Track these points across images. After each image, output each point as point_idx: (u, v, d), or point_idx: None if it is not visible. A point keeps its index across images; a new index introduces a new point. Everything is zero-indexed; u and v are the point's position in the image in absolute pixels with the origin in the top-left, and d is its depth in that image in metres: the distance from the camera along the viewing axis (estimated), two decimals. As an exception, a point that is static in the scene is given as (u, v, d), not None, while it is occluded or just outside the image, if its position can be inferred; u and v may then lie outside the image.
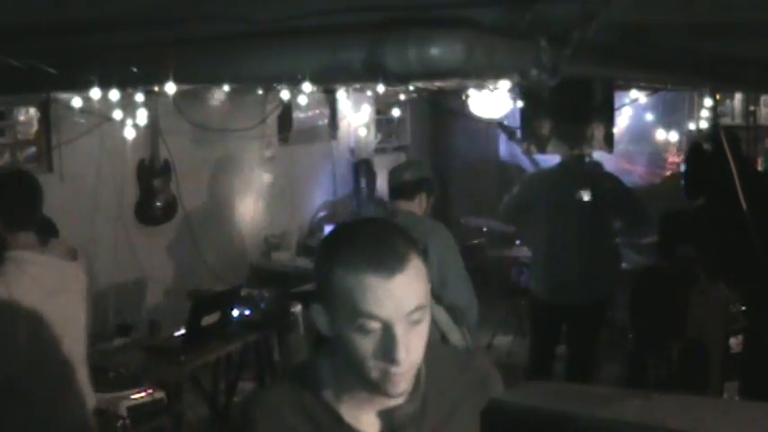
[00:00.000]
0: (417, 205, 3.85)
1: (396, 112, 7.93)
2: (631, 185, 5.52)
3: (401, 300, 1.36)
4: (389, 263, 1.36)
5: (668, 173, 7.81)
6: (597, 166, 5.69)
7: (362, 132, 7.75)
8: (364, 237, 1.41)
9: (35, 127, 5.14)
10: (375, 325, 1.36)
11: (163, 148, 5.68)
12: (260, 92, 5.98)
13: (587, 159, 5.43)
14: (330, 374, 1.48)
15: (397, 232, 1.43)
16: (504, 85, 5.58)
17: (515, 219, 5.39)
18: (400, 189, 3.79)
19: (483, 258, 7.21)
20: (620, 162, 7.03)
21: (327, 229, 7.00)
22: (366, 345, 1.37)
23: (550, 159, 5.85)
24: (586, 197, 4.93)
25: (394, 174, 3.91)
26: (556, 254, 4.96)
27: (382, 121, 8.22)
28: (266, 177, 6.76)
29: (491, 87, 5.95)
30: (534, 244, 5.23)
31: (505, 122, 6.82)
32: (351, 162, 7.68)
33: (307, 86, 3.50)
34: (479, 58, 2.84)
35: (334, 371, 1.47)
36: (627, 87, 6.62)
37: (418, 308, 1.38)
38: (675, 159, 7.79)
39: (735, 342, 4.51)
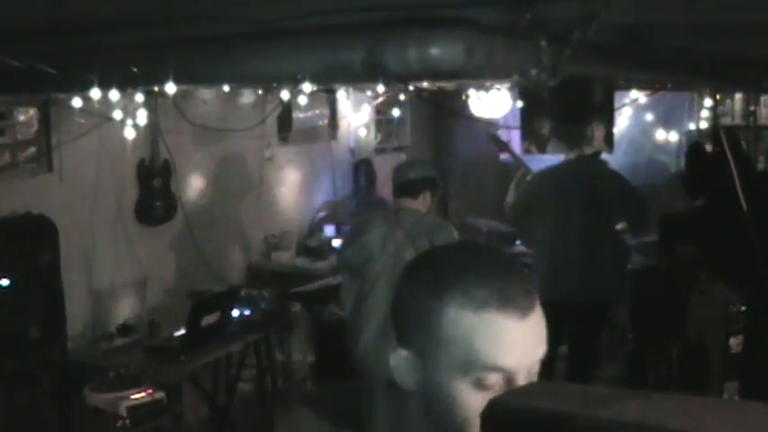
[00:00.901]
0: (422, 203, 3.87)
1: (396, 112, 7.93)
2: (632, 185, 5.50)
3: (531, 347, 1.10)
4: (521, 300, 1.08)
5: (668, 173, 7.81)
6: (602, 164, 5.67)
7: (362, 132, 7.75)
8: (486, 265, 1.11)
9: (35, 127, 5.13)
10: (495, 378, 1.08)
11: (163, 148, 5.68)
12: (260, 92, 5.98)
13: (592, 157, 5.40)
14: (390, 421, 1.20)
15: (517, 263, 1.16)
16: (504, 85, 5.59)
17: (522, 221, 5.37)
18: (405, 187, 3.81)
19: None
20: (620, 162, 7.02)
21: (327, 229, 7.00)
22: (478, 402, 1.05)
23: (551, 160, 5.84)
24: (587, 196, 4.93)
25: (399, 172, 3.92)
26: (558, 253, 4.96)
27: (382, 121, 8.22)
28: (266, 177, 6.76)
29: (491, 87, 5.96)
30: (537, 243, 5.22)
31: (498, 133, 6.82)
32: (351, 162, 7.67)
33: (307, 86, 3.50)
34: (479, 58, 2.84)
35: (399, 420, 1.19)
36: (627, 87, 6.62)
37: (542, 357, 1.12)
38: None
39: (735, 342, 4.51)
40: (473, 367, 1.07)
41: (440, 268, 1.13)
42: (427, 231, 3.74)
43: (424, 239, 3.67)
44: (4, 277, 4.17)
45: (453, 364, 1.08)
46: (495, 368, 1.07)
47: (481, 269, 1.10)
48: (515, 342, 1.08)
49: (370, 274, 3.69)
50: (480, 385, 1.08)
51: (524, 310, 1.08)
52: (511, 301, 1.07)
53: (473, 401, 1.07)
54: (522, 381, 1.09)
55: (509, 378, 1.08)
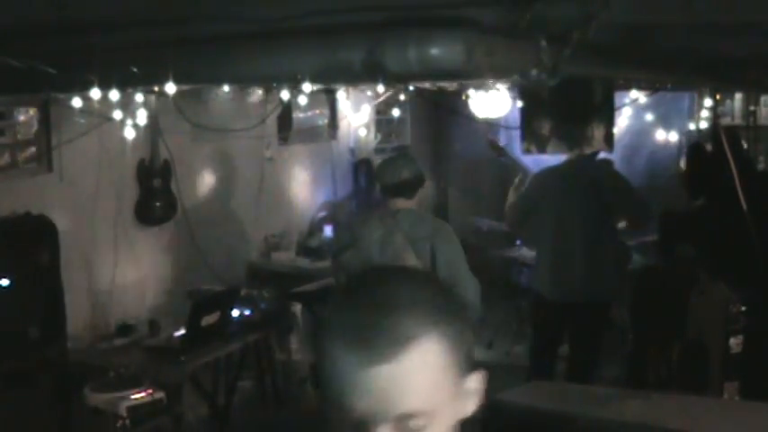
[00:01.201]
0: (416, 202, 3.83)
1: (396, 112, 7.93)
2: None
3: (385, 398, 1.00)
4: (377, 346, 1.00)
5: (668, 173, 7.81)
6: (603, 163, 5.67)
7: (362, 132, 7.75)
8: (360, 304, 1.04)
9: (35, 127, 5.13)
10: (348, 419, 1.02)
11: (163, 148, 5.68)
12: (260, 92, 5.98)
13: (594, 157, 5.40)
14: None
15: (410, 306, 1.03)
16: (504, 85, 5.58)
17: (522, 223, 5.34)
18: (401, 188, 3.75)
19: (483, 258, 7.21)
20: (619, 162, 7.02)
21: (327, 229, 7.00)
22: None
23: (551, 160, 5.84)
24: (589, 196, 4.93)
25: (389, 171, 3.81)
26: (560, 252, 4.95)
27: (382, 121, 8.22)
28: (266, 177, 6.76)
29: (491, 87, 5.95)
30: (538, 242, 5.22)
31: (497, 138, 6.81)
32: (351, 162, 7.68)
33: (307, 86, 3.50)
34: (479, 58, 2.84)
35: None
36: (627, 87, 6.62)
37: (417, 414, 1.01)
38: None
39: (735, 342, 4.51)
40: (331, 400, 1.03)
41: (340, 294, 1.10)
42: (427, 234, 3.69)
43: (424, 242, 3.63)
44: (4, 277, 4.17)
45: (327, 386, 1.04)
46: (344, 408, 1.01)
47: (352, 308, 1.04)
48: (362, 388, 1.00)
49: (347, 256, 3.65)
50: (339, 423, 1.03)
51: (376, 358, 0.99)
52: (364, 346, 1.00)
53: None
54: None
55: (361, 425, 1.01)
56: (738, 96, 7.50)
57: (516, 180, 5.38)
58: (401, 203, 3.76)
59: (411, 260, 3.56)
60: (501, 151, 5.96)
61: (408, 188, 3.74)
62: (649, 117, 7.70)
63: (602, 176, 5.17)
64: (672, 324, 4.68)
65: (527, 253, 6.38)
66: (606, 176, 5.20)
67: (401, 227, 3.69)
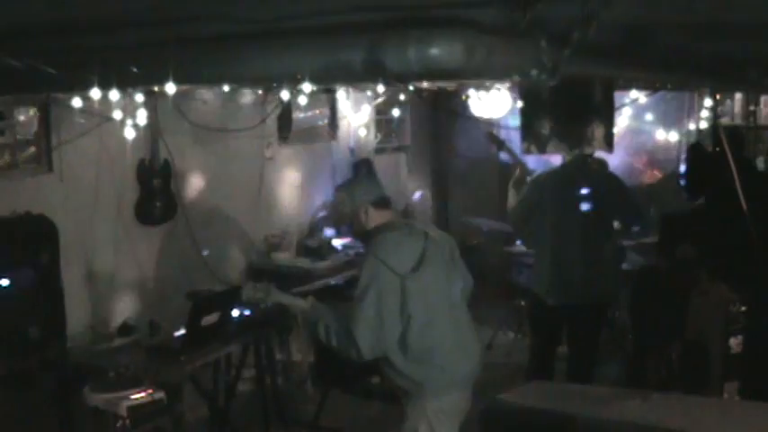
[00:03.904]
0: None
1: (396, 112, 7.93)
2: (631, 185, 5.51)
3: None
4: None
5: (668, 173, 7.81)
6: (601, 165, 5.68)
7: (362, 132, 7.75)
8: None
9: (35, 127, 5.13)
10: None
11: (163, 148, 5.68)
12: (260, 92, 5.98)
13: (591, 158, 5.41)
14: None
15: None
16: (504, 85, 5.58)
17: (524, 227, 5.31)
18: (387, 200, 3.74)
19: (483, 258, 7.22)
20: (619, 162, 7.02)
21: (327, 229, 7.01)
22: None
23: (551, 160, 5.84)
24: (587, 197, 4.94)
25: (373, 188, 3.78)
26: (559, 254, 4.96)
27: (382, 121, 8.22)
28: (266, 177, 6.76)
29: (491, 87, 5.95)
30: (537, 244, 5.22)
31: (495, 131, 6.81)
32: (351, 162, 7.67)
33: (307, 86, 3.50)
34: (479, 58, 2.84)
35: None
36: (627, 87, 6.62)
37: None
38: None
39: (735, 342, 4.52)
40: None
41: None
42: (443, 234, 3.76)
43: (445, 238, 3.69)
44: (4, 277, 4.17)
45: None
46: None
47: None
48: None
49: (421, 275, 3.60)
50: None
51: None
52: None
53: None
54: None
55: None
56: (738, 96, 7.50)
57: (515, 176, 5.38)
58: (390, 215, 3.71)
59: (450, 248, 3.64)
60: (501, 145, 5.96)
61: (388, 203, 3.74)
62: (649, 117, 7.70)
63: (601, 178, 5.18)
64: (672, 324, 4.69)
65: (527, 253, 6.39)
66: (604, 178, 5.21)
67: (422, 226, 3.72)
